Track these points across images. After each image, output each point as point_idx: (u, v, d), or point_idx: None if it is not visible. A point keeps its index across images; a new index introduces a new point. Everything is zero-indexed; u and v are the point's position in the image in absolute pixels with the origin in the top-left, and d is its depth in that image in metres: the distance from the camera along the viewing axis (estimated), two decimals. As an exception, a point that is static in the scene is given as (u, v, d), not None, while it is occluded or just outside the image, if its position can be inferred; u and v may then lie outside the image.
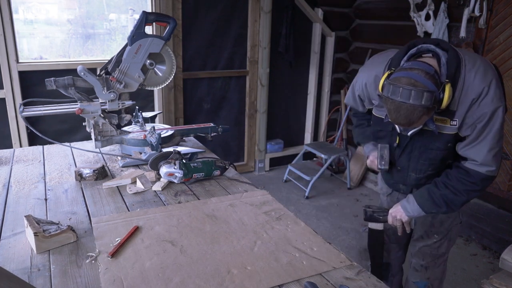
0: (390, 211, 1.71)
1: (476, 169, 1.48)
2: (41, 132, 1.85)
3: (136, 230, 1.36)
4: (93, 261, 1.19)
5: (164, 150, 1.89)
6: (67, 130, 3.35)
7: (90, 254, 1.22)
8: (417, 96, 1.29)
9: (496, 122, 1.40)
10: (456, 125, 1.45)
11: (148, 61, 1.96)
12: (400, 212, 1.66)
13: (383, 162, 1.69)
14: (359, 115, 1.89)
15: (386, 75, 1.42)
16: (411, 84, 1.30)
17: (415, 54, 1.45)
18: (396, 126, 1.52)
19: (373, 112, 1.71)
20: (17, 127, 3.21)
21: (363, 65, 1.76)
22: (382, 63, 1.57)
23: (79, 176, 1.76)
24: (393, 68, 1.44)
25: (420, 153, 1.60)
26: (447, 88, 1.34)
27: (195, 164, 1.77)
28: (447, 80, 1.36)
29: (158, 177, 1.77)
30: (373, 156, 1.80)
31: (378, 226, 1.82)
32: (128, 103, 1.99)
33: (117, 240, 1.28)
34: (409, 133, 1.49)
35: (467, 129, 1.44)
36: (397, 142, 1.64)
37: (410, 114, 1.33)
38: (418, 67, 1.34)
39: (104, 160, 2.02)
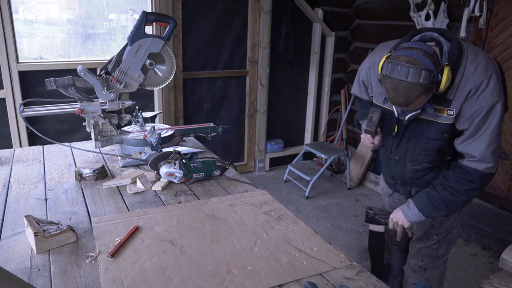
0: (391, 216, 1.70)
1: (474, 167, 1.46)
2: (41, 132, 1.85)
3: (136, 230, 1.36)
4: (93, 261, 1.19)
5: (164, 150, 1.89)
6: (67, 130, 3.36)
7: (90, 254, 1.22)
8: (415, 74, 1.29)
9: (495, 117, 1.38)
10: (452, 115, 1.44)
11: (148, 61, 1.96)
12: (401, 218, 1.65)
13: (370, 124, 1.63)
14: (364, 102, 1.88)
15: (385, 56, 1.42)
16: (409, 62, 1.30)
17: (418, 40, 1.45)
18: (394, 110, 1.51)
19: (373, 100, 1.70)
20: (17, 127, 3.21)
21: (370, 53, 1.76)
22: (387, 48, 1.57)
23: (79, 176, 1.76)
24: (393, 51, 1.44)
25: (417, 142, 1.60)
26: (446, 70, 1.33)
27: (195, 164, 1.77)
28: (447, 63, 1.35)
29: (158, 177, 1.77)
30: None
31: (379, 228, 1.81)
32: (128, 103, 1.99)
33: (117, 240, 1.29)
34: (406, 117, 1.48)
35: (464, 122, 1.42)
36: (395, 131, 1.64)
37: (408, 92, 1.32)
38: (417, 47, 1.34)
39: (104, 160, 2.02)
